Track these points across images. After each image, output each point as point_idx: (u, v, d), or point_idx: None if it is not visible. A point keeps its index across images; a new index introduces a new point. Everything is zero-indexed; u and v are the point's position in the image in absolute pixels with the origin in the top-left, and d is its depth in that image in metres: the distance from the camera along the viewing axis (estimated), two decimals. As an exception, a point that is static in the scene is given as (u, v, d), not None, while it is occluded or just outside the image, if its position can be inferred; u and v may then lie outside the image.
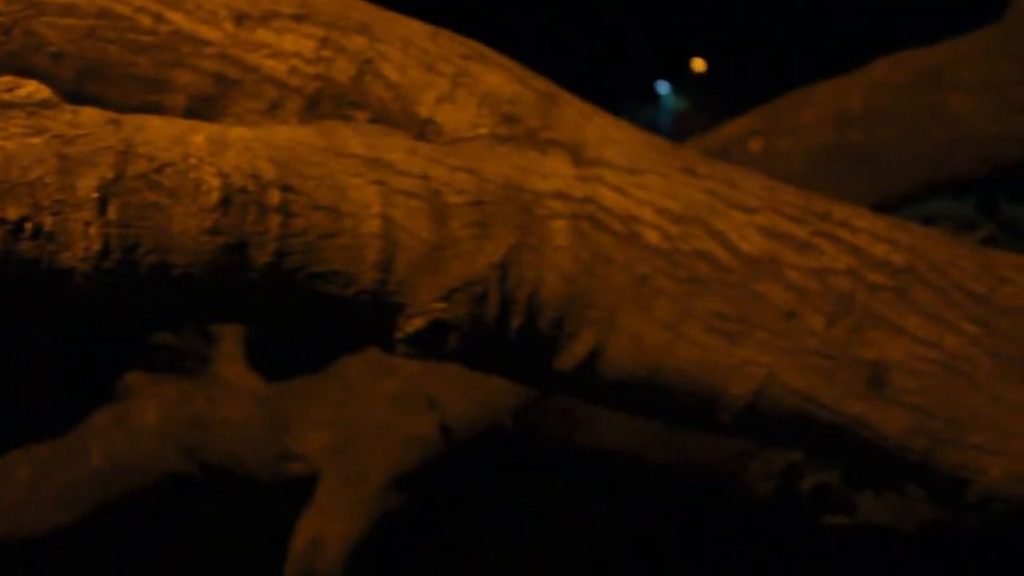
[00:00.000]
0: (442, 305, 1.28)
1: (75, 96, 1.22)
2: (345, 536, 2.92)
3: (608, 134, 1.41)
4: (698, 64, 14.14)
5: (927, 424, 1.41)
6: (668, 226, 1.37)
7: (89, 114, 1.11)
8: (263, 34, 1.38)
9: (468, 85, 1.40)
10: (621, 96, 15.39)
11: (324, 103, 1.39)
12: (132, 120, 1.14)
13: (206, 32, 1.36)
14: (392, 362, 2.76)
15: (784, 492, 2.67)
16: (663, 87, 15.63)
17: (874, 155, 2.46)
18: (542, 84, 1.43)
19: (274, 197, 1.17)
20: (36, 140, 1.07)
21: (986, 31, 2.37)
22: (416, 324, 1.27)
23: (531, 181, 1.36)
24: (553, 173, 1.37)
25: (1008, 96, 2.32)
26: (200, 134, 1.16)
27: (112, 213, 1.08)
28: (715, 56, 12.41)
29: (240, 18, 1.38)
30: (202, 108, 1.36)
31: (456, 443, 2.57)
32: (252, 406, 3.05)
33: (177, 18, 1.36)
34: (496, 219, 1.34)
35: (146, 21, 1.35)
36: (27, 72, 1.20)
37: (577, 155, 1.38)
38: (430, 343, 1.30)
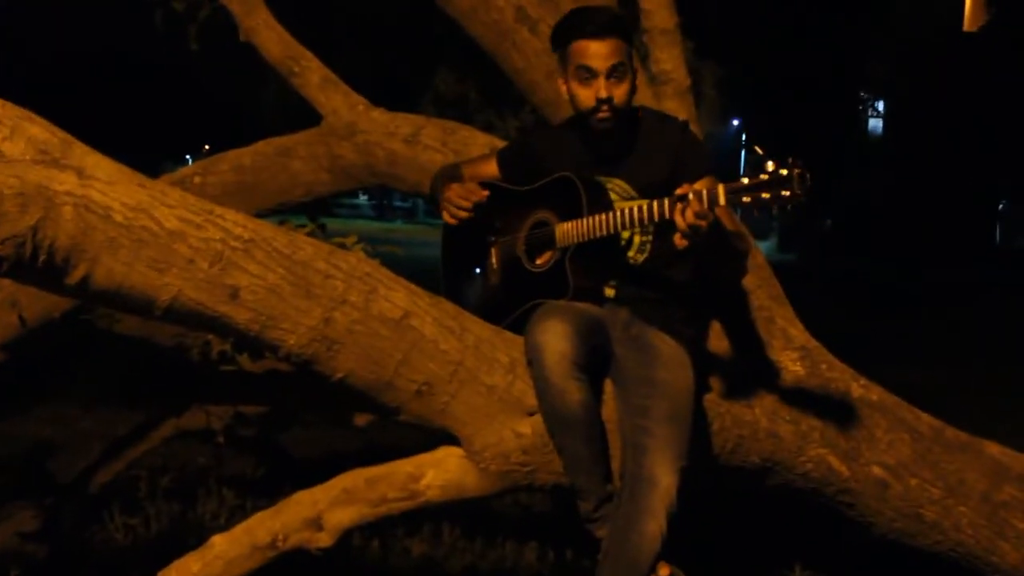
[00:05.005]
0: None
1: None
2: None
3: (99, 164, 2.55)
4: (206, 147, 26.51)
5: (258, 318, 2.68)
6: (128, 213, 2.52)
7: None
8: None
9: (20, 132, 2.52)
10: (167, 159, 28.04)
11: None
12: None
13: None
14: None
15: (204, 355, 4.01)
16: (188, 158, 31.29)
17: (256, 188, 4.04)
18: (63, 135, 2.55)
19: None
20: None
21: (313, 130, 4.05)
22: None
23: (53, 184, 2.47)
24: (66, 181, 2.49)
25: (332, 164, 4.01)
26: None
27: None
28: (216, 143, 23.18)
29: None
30: None
31: (31, 328, 3.76)
32: None
33: None
34: (32, 203, 2.42)
35: None
36: None
37: (81, 173, 2.51)
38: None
